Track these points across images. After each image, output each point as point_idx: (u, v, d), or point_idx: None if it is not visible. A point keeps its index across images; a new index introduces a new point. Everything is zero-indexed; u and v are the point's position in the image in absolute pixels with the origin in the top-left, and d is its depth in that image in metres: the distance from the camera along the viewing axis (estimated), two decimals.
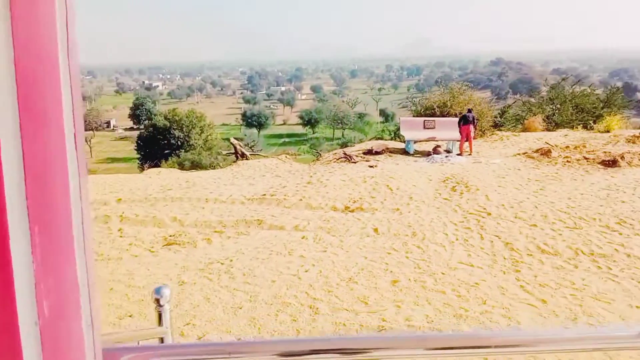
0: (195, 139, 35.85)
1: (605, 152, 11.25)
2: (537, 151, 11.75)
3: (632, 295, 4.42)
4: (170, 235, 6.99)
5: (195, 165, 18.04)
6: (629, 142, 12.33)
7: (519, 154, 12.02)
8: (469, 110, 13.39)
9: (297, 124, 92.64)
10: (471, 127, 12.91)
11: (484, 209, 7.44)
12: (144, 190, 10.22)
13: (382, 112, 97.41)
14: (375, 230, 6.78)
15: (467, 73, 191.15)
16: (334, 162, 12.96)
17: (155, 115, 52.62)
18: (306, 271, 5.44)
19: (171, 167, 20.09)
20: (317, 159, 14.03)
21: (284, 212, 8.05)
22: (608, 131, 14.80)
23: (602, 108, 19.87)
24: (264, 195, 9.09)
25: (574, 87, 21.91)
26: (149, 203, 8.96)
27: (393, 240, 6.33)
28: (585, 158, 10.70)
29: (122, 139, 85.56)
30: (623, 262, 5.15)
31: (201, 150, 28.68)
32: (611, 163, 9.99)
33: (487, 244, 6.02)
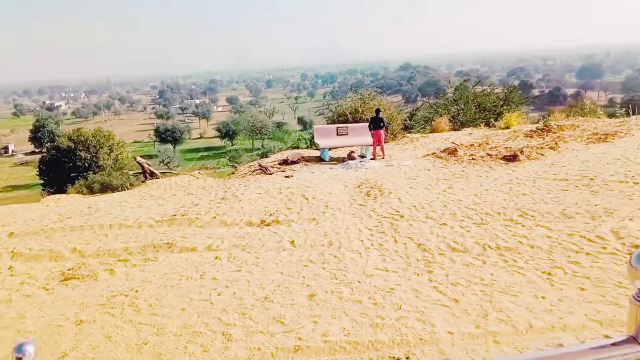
0: (104, 159, 33.77)
1: (506, 147, 11.94)
2: (444, 151, 12.22)
3: (537, 286, 4.59)
4: (69, 269, 6.36)
5: (106, 187, 16.89)
6: (527, 136, 13.20)
7: (428, 155, 12.44)
8: (377, 112, 13.45)
9: (214, 137, 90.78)
10: (382, 131, 13.17)
11: (397, 211, 7.53)
12: (39, 220, 9.31)
13: (300, 120, 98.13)
14: (292, 242, 6.61)
15: (378, 79, 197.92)
16: (250, 174, 12.67)
17: (58, 136, 49.06)
18: (219, 294, 5.15)
19: (78, 190, 18.66)
20: (233, 173, 13.65)
21: (196, 232, 7.65)
22: (508, 127, 15.79)
23: (502, 106, 21.23)
24: (175, 215, 8.61)
25: (475, 87, 23.27)
26: (45, 235, 8.16)
27: (310, 252, 6.19)
28: (489, 154, 11.27)
29: (22, 164, 79.15)
30: (527, 254, 5.38)
31: (111, 170, 27.07)
32: (512, 158, 10.59)
33: (400, 247, 6.05)
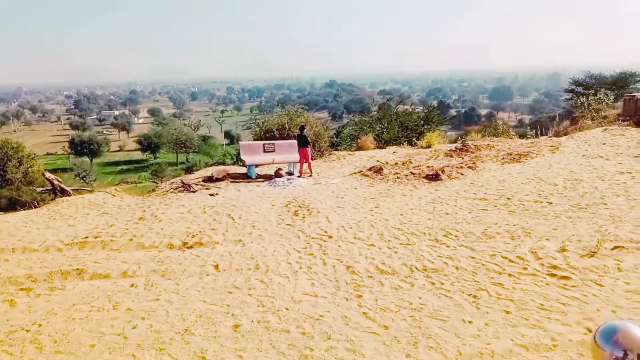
0: (12, 173, 31.09)
1: (428, 166, 12.31)
2: (370, 169, 12.39)
3: (464, 310, 4.63)
4: None
5: (14, 203, 15.43)
6: (447, 156, 13.72)
7: (355, 173, 12.54)
8: (302, 129, 13.31)
9: (135, 150, 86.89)
10: (309, 149, 13.13)
11: (325, 232, 7.44)
12: None
13: (227, 134, 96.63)
14: (216, 267, 6.28)
15: (305, 95, 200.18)
16: (172, 192, 12.09)
17: None
18: (134, 327, 4.72)
19: None
20: (153, 190, 12.96)
21: (110, 256, 7.08)
22: (429, 146, 16.37)
23: (423, 125, 22.07)
24: (86, 237, 7.95)
25: (397, 107, 24.05)
26: None
27: (235, 277, 5.90)
28: (412, 173, 11.56)
29: None
30: (453, 276, 5.45)
31: (20, 185, 24.92)
32: (434, 177, 10.92)
33: (329, 270, 5.93)
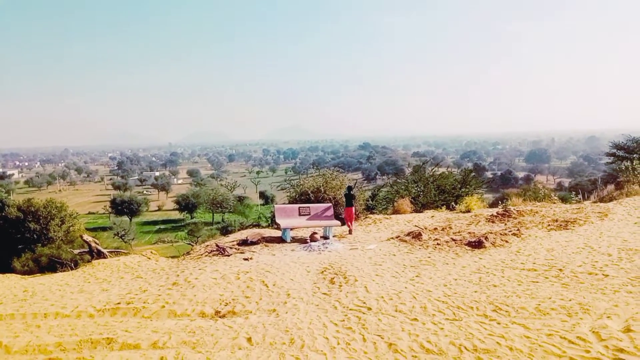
0: (54, 231, 31.95)
1: (469, 232, 11.83)
2: (409, 234, 11.99)
3: None
4: None
5: (54, 261, 15.67)
6: (488, 221, 13.21)
7: (392, 238, 12.16)
8: (350, 188, 13.70)
9: (173, 209, 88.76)
10: (354, 208, 13.34)
11: (364, 302, 7.03)
12: None
13: (262, 195, 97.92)
14: (249, 340, 5.94)
15: (339, 156, 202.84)
16: (206, 255, 11.96)
17: (8, 206, 46.61)
18: None
19: (24, 264, 17.24)
20: (188, 253, 12.88)
21: (141, 324, 6.86)
22: (469, 211, 15.88)
23: (460, 188, 21.61)
24: (119, 303, 7.79)
25: (433, 169, 23.76)
26: None
27: (269, 352, 5.54)
28: (454, 240, 11.09)
29: None
30: (507, 358, 4.94)
31: (61, 243, 25.48)
32: (477, 244, 10.42)
33: (370, 347, 5.51)
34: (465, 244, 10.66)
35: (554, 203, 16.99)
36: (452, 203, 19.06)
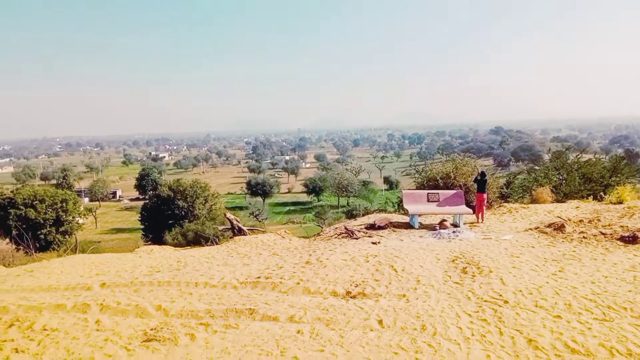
0: (199, 209, 35.45)
1: (622, 226, 10.61)
2: (549, 226, 11.11)
3: None
4: (151, 329, 6.25)
5: (199, 236, 17.43)
6: None
7: (530, 229, 11.38)
8: (483, 174, 13.13)
9: (302, 192, 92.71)
10: (485, 195, 12.80)
11: (500, 295, 6.71)
12: (131, 272, 9.55)
13: (387, 180, 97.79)
14: (380, 322, 6.04)
15: (467, 141, 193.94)
16: (335, 237, 12.34)
17: (160, 185, 52.71)
18: None
19: (174, 237, 19.43)
20: (318, 234, 13.40)
21: (279, 298, 7.33)
22: (621, 202, 14.23)
23: (610, 177, 19.41)
24: (259, 277, 8.40)
25: (578, 156, 21.59)
26: (134, 288, 8.27)
27: (400, 336, 5.58)
28: (602, 233, 10.04)
29: (127, 209, 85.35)
30: None
31: (205, 220, 28.14)
32: (631, 239, 9.32)
33: (507, 341, 5.26)
34: (617, 239, 9.59)
35: None
36: (601, 193, 17.21)
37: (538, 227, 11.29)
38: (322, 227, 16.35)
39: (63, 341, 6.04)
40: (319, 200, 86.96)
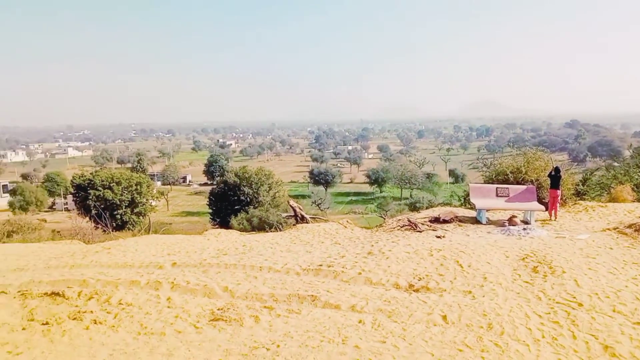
0: (263, 196, 36.39)
1: None
2: (630, 226, 10.37)
3: None
4: (218, 309, 6.50)
5: (263, 222, 17.91)
6: None
7: (608, 229, 10.68)
8: (557, 170, 12.53)
9: (364, 183, 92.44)
10: (559, 191, 12.20)
11: (574, 297, 6.37)
12: (199, 253, 9.95)
13: (452, 173, 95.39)
14: (444, 317, 5.92)
15: (540, 135, 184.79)
16: (398, 229, 12.20)
17: (227, 172, 54.54)
18: None
19: (239, 222, 20.11)
20: (380, 225, 13.31)
21: (340, 287, 7.37)
22: None
23: None
24: (321, 265, 8.48)
25: None
26: (202, 269, 8.62)
27: (465, 333, 5.45)
28: None
29: (196, 193, 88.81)
30: None
31: (269, 207, 28.83)
32: None
33: (581, 346, 4.99)
34: None
35: None
36: None
37: (617, 228, 10.57)
38: (384, 219, 16.21)
39: (137, 315, 6.41)
40: (381, 192, 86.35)
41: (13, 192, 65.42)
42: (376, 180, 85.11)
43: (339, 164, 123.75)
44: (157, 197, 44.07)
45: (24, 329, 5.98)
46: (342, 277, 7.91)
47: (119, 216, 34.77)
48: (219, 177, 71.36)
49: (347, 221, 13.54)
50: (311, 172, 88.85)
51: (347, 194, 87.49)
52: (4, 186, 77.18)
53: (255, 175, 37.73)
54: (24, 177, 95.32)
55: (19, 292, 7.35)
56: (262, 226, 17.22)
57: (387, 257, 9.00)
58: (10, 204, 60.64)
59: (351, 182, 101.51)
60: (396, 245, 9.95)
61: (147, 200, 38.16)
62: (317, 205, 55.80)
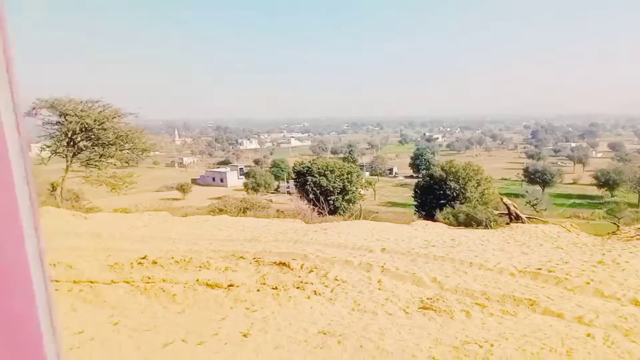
0: (470, 192, 35.09)
1: None
2: None
3: None
4: (428, 298, 6.52)
5: (470, 219, 17.30)
6: None
7: None
8: None
9: (590, 185, 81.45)
10: None
11: None
12: (407, 242, 10.10)
13: None
14: None
15: None
16: (637, 239, 10.42)
17: (433, 165, 54.11)
18: None
19: (445, 217, 19.82)
20: (614, 233, 11.56)
21: (564, 295, 6.65)
22: None
23: None
24: (539, 269, 7.78)
25: None
26: (410, 258, 8.74)
27: None
28: None
29: (401, 185, 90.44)
30: None
31: (476, 203, 27.69)
32: None
33: None
34: None
35: None
36: None
37: None
38: (618, 226, 14.01)
39: (350, 292, 6.85)
40: (612, 196, 74.82)
41: (247, 175, 76.81)
42: (606, 182, 73.87)
43: (559, 162, 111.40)
44: (365, 187, 46.34)
45: (258, 290, 6.93)
46: (565, 284, 7.13)
47: (332, 201, 37.60)
48: (424, 170, 71.23)
49: (572, 225, 12.11)
50: (526, 170, 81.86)
51: (570, 196, 78.18)
52: (241, 169, 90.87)
53: (463, 170, 36.57)
54: (256, 162, 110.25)
55: (254, 258, 8.55)
56: (469, 222, 16.57)
57: (623, 268, 7.78)
58: (245, 185, 71.08)
59: (574, 182, 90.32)
60: (635, 257, 8.52)
61: (356, 188, 40.36)
62: (532, 205, 51.21)
